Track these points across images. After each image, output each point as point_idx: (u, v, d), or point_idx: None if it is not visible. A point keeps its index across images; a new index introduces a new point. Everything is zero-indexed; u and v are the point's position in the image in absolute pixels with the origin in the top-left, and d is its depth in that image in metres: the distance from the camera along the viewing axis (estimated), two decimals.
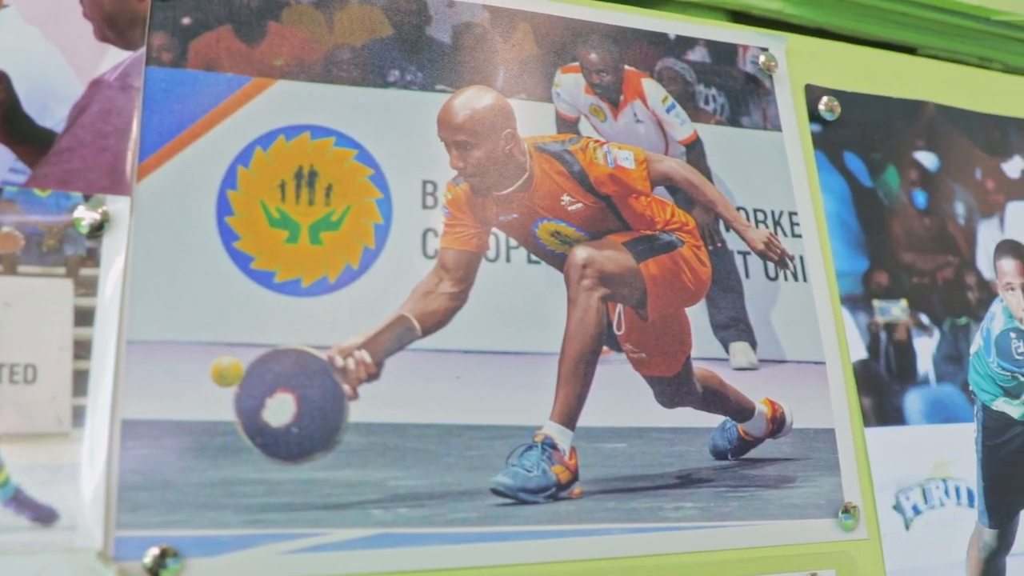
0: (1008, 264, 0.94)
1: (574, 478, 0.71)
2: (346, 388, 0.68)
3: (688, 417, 0.77)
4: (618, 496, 0.72)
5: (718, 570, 0.73)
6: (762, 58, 0.90)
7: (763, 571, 0.75)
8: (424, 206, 0.74)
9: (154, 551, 0.60)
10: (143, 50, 0.70)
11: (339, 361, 0.68)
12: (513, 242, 0.76)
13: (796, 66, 0.93)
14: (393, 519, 0.66)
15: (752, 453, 0.78)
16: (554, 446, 0.71)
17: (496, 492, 0.69)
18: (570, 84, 0.82)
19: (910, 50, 1.06)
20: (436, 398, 0.70)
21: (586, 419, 0.73)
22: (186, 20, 0.72)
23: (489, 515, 0.68)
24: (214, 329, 0.66)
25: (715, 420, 0.78)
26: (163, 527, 0.61)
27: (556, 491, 0.70)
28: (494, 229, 0.76)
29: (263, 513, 0.63)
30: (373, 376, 0.69)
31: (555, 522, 0.70)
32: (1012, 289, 0.93)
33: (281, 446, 0.66)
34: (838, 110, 0.91)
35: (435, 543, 0.66)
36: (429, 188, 0.75)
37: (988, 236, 0.95)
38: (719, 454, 0.77)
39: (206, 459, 0.64)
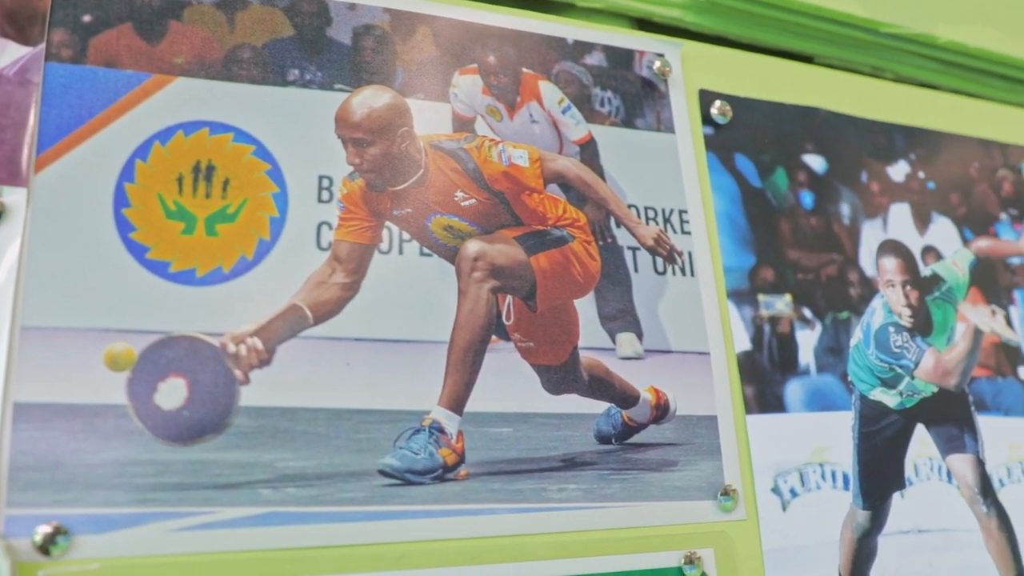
0: (889, 262, 0.99)
1: (460, 460, 0.75)
2: (237, 373, 0.70)
3: (574, 404, 0.80)
4: (503, 478, 0.76)
5: (600, 548, 0.77)
6: (657, 63, 0.94)
7: (644, 550, 0.78)
8: (319, 200, 0.77)
9: (44, 529, 0.62)
10: (43, 46, 0.72)
11: (231, 347, 0.71)
12: (406, 235, 0.79)
13: (691, 72, 0.97)
14: (282, 499, 0.69)
15: (636, 438, 0.82)
16: (441, 430, 0.74)
17: (383, 473, 0.72)
18: (467, 85, 0.86)
19: (808, 59, 1.12)
20: (326, 384, 0.73)
21: (474, 405, 0.77)
22: (87, 17, 0.74)
23: (376, 495, 0.71)
24: (108, 316, 0.69)
25: (600, 407, 0.82)
26: (54, 506, 0.63)
27: (443, 472, 0.74)
28: (388, 223, 0.79)
29: (153, 492, 0.66)
30: (264, 362, 0.71)
31: (441, 502, 0.73)
32: (892, 286, 0.98)
33: (172, 428, 0.68)
34: (730, 114, 0.96)
35: (323, 521, 0.69)
36: (325, 183, 0.78)
37: (871, 236, 1.00)
38: (603, 439, 0.80)
39: (97, 440, 0.66)
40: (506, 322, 0.80)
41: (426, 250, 0.79)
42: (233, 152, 0.76)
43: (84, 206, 0.70)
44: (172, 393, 0.69)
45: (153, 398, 0.68)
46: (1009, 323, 1.05)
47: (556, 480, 0.77)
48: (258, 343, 0.71)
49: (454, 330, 0.77)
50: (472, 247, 0.80)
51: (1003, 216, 1.11)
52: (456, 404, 0.76)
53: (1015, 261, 1.09)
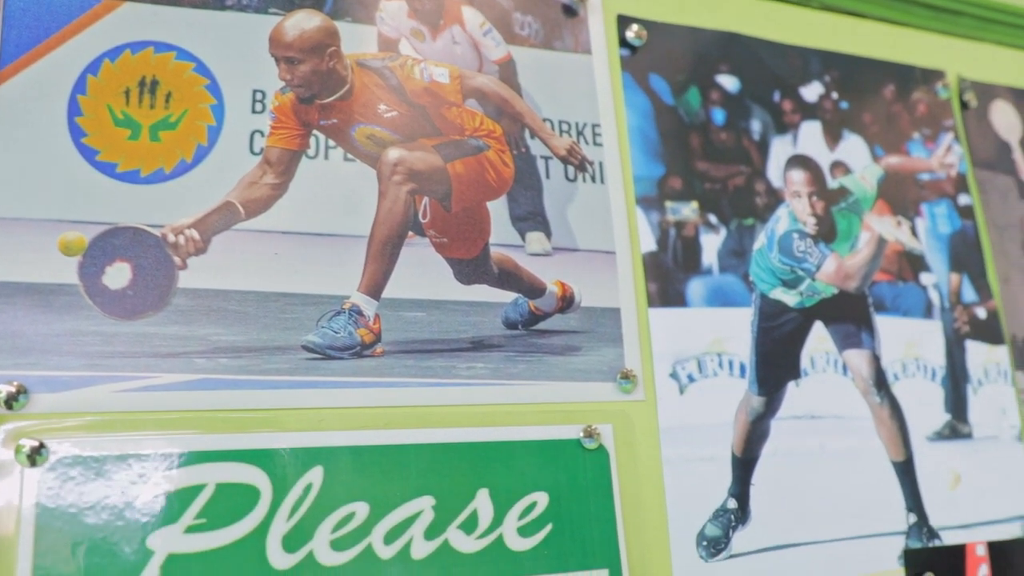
0: (797, 175, 1.07)
1: (377, 340, 0.85)
2: (176, 260, 0.81)
3: (484, 293, 0.90)
4: (416, 356, 0.86)
5: (505, 419, 0.87)
6: None
7: (546, 423, 0.88)
8: (253, 111, 0.87)
9: (7, 388, 0.73)
10: None
11: (171, 237, 0.81)
12: (332, 143, 0.89)
13: None
14: (214, 367, 0.79)
15: (541, 325, 0.91)
16: (360, 312, 0.84)
17: (306, 348, 0.82)
18: (393, 9, 0.94)
19: None
20: (256, 270, 0.83)
21: (391, 292, 0.86)
22: None
23: (299, 367, 0.81)
24: (62, 209, 0.79)
25: (509, 296, 0.91)
26: (14, 368, 0.74)
27: (360, 349, 0.84)
28: (315, 131, 0.88)
29: (101, 359, 0.77)
30: (201, 251, 0.82)
31: (358, 375, 0.83)
32: (799, 196, 1.06)
33: (118, 305, 0.79)
34: (645, 37, 1.03)
35: (251, 388, 0.79)
36: (259, 96, 0.87)
37: (781, 150, 1.08)
38: (510, 325, 0.90)
39: (52, 314, 0.77)
40: (422, 220, 0.90)
41: (350, 156, 0.89)
42: (175, 68, 0.85)
43: (42, 114, 0.80)
44: (118, 275, 0.79)
45: (101, 279, 0.79)
46: (914, 233, 1.13)
47: (465, 359, 0.87)
48: (195, 234, 0.81)
49: (374, 226, 0.87)
50: (393, 153, 0.89)
51: (916, 135, 1.18)
52: (374, 290, 0.85)
53: (924, 177, 1.17)
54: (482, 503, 0.84)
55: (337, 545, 0.78)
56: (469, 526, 0.83)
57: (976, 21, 1.27)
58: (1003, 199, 1.21)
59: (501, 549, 0.83)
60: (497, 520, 0.84)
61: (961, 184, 1.19)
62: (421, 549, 0.81)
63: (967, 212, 1.18)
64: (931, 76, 1.22)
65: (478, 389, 0.87)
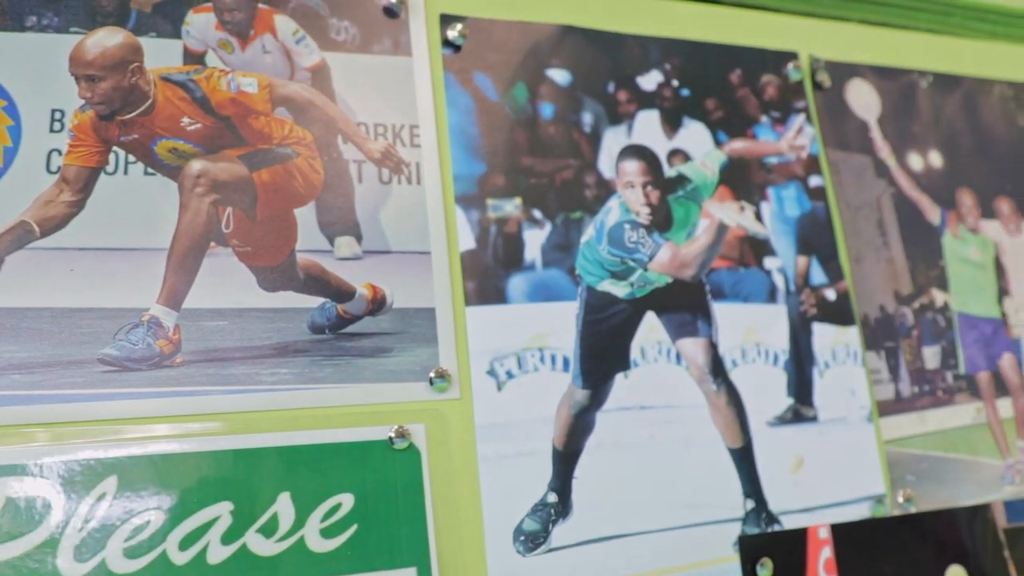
0: (631, 165, 1.07)
1: (176, 350, 0.86)
2: None
3: (289, 299, 0.91)
4: (217, 364, 0.87)
5: (311, 423, 0.88)
6: None
7: (354, 425, 0.90)
8: (51, 131, 0.89)
9: None
10: None
11: None
12: (132, 158, 0.90)
13: None
14: (7, 384, 0.81)
15: (351, 328, 0.93)
16: (159, 324, 0.86)
17: (103, 361, 0.84)
18: (200, 22, 0.96)
19: None
20: (51, 287, 0.85)
21: (192, 302, 0.88)
22: None
23: (96, 380, 0.83)
24: None
25: (316, 302, 0.92)
26: None
27: (159, 360, 0.86)
28: (115, 148, 0.90)
29: None
30: None
31: (157, 385, 0.85)
32: (632, 187, 1.06)
33: None
34: (468, 35, 1.04)
35: (45, 402, 0.81)
36: (57, 115, 0.89)
37: (614, 141, 1.08)
38: (317, 329, 0.91)
39: None
40: (225, 230, 0.91)
41: (151, 170, 0.90)
42: None
43: None
44: None
45: None
46: (759, 218, 1.13)
47: (268, 366, 0.88)
48: None
49: (174, 238, 0.89)
50: (195, 166, 0.91)
51: (764, 119, 1.18)
52: (173, 301, 0.87)
53: (773, 160, 1.16)
54: (283, 506, 0.85)
55: (130, 553, 0.80)
56: (268, 530, 0.84)
57: None
58: (858, 178, 1.20)
59: (302, 551, 0.85)
60: (299, 523, 0.85)
61: (813, 166, 1.19)
62: (218, 554, 0.82)
63: (818, 193, 1.18)
64: (783, 58, 1.22)
65: (282, 394, 0.88)
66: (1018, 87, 1.38)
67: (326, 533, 0.86)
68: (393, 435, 0.90)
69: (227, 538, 0.83)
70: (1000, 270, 1.27)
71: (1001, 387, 1.22)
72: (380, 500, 0.88)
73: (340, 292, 0.93)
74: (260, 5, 0.98)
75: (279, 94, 0.95)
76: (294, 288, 0.92)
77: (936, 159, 1.28)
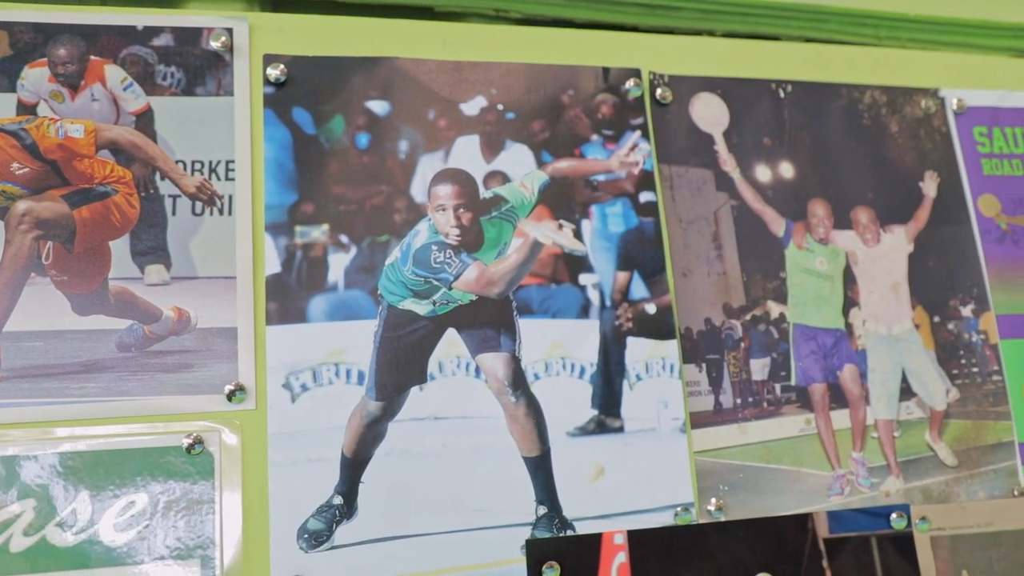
0: (444, 189, 1.14)
1: None
2: None
3: (100, 322, 1.04)
4: (32, 379, 1.01)
5: (114, 431, 1.01)
6: (223, 38, 1.13)
7: (154, 433, 1.02)
8: None
9: None
10: None
11: None
12: None
13: (260, 39, 1.15)
14: None
15: (156, 347, 1.04)
16: None
17: None
18: (35, 76, 1.09)
19: (428, 9, 1.26)
20: None
21: (12, 327, 1.02)
22: None
23: None
24: None
25: (125, 323, 1.04)
26: None
27: None
28: None
29: None
30: None
31: None
32: (444, 210, 1.13)
33: None
34: (286, 73, 1.13)
35: None
36: None
37: (429, 167, 1.15)
38: (124, 348, 1.04)
39: None
40: (45, 262, 1.04)
41: None
42: None
43: None
44: None
45: None
46: (579, 236, 1.18)
47: (77, 380, 1.01)
48: None
49: None
50: (21, 206, 1.04)
51: (595, 137, 1.22)
52: None
53: (600, 178, 1.21)
54: (81, 504, 0.99)
55: None
56: (67, 524, 0.98)
57: (669, 12, 1.28)
58: (696, 193, 1.23)
59: (96, 543, 0.98)
60: (95, 518, 0.98)
61: (646, 182, 1.22)
62: (19, 544, 0.96)
63: (649, 209, 1.21)
64: (622, 76, 1.25)
65: (88, 405, 1.01)
66: (893, 92, 1.36)
67: (119, 527, 0.98)
68: (190, 442, 1.01)
69: (29, 530, 0.97)
70: (850, 281, 1.27)
71: (840, 399, 1.23)
72: (171, 499, 1.00)
73: (147, 314, 1.05)
74: (92, 57, 1.11)
75: (104, 137, 1.07)
76: (105, 312, 1.04)
77: (788, 170, 1.28)
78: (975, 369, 1.29)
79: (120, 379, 1.02)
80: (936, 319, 1.29)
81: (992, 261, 1.32)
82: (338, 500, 1.04)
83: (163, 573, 0.98)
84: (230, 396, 1.04)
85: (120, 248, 1.06)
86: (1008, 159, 1.37)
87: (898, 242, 1.29)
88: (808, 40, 1.37)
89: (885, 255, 1.29)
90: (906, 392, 1.26)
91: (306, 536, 1.02)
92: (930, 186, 1.33)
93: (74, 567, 0.96)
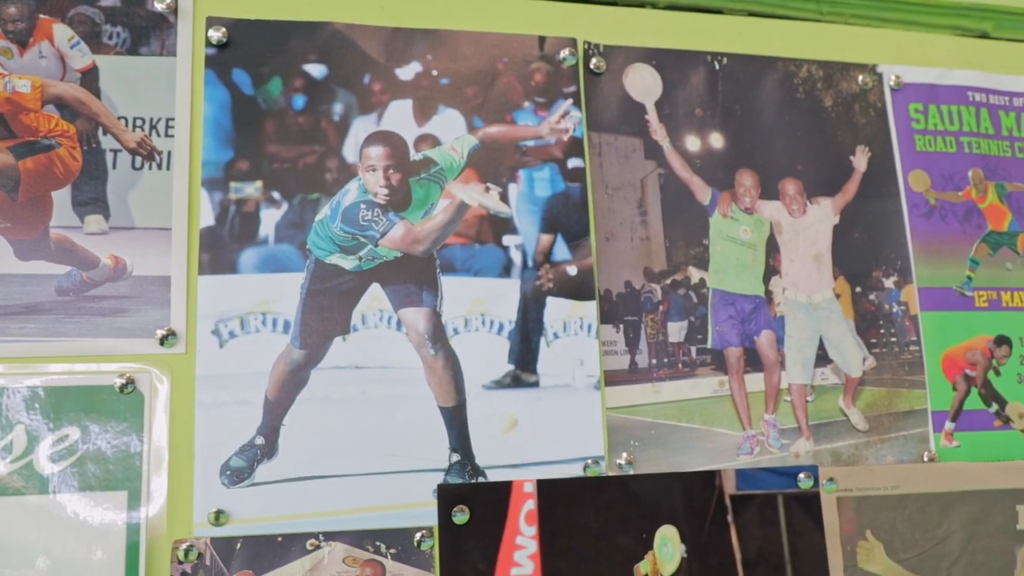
0: (375, 150, 1.19)
1: None
2: None
3: (40, 267, 1.11)
4: None
5: (51, 369, 1.08)
6: (168, 0, 1.19)
7: (88, 372, 1.09)
8: None
9: None
10: None
11: None
12: None
13: (203, 2, 1.20)
14: None
15: (94, 292, 1.11)
16: None
17: None
18: None
19: None
20: None
21: None
22: None
23: None
24: None
25: (64, 269, 1.11)
26: None
27: None
28: None
29: None
30: None
31: None
32: (374, 170, 1.19)
33: None
34: (227, 35, 1.18)
35: None
36: None
37: (362, 129, 1.21)
38: (63, 292, 1.10)
39: None
40: None
41: None
42: None
43: None
44: None
45: None
46: (504, 198, 1.22)
47: (18, 321, 1.08)
48: None
49: None
50: None
51: (527, 104, 1.26)
52: None
53: (530, 143, 1.25)
54: (18, 435, 1.06)
55: None
56: (4, 453, 1.05)
57: None
58: (624, 160, 1.27)
59: (31, 471, 1.05)
60: (29, 449, 1.06)
61: (575, 148, 1.26)
62: None
63: (576, 175, 1.26)
64: (557, 44, 1.29)
65: (27, 344, 1.08)
66: (831, 67, 1.39)
67: (52, 458, 1.06)
68: (122, 382, 1.08)
69: None
70: (773, 249, 1.31)
71: (756, 363, 1.27)
72: (102, 434, 1.07)
73: (86, 261, 1.11)
74: (41, 16, 1.16)
75: (50, 93, 1.14)
76: (46, 258, 1.11)
77: (718, 140, 1.32)
78: (893, 339, 1.33)
79: (58, 321, 1.09)
80: (858, 289, 1.33)
81: (918, 235, 1.36)
82: (260, 440, 1.11)
83: (92, 502, 1.06)
84: (162, 340, 1.11)
85: (62, 198, 1.13)
86: (942, 135, 1.40)
87: (823, 213, 1.33)
88: (751, 14, 1.40)
89: (810, 226, 1.32)
90: (822, 359, 1.30)
91: (228, 473, 1.09)
92: (860, 160, 1.36)
93: (10, 494, 1.03)
